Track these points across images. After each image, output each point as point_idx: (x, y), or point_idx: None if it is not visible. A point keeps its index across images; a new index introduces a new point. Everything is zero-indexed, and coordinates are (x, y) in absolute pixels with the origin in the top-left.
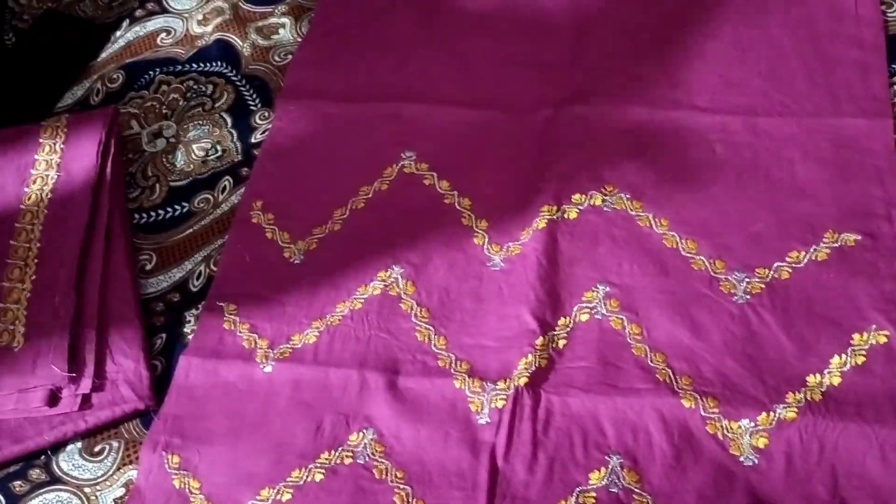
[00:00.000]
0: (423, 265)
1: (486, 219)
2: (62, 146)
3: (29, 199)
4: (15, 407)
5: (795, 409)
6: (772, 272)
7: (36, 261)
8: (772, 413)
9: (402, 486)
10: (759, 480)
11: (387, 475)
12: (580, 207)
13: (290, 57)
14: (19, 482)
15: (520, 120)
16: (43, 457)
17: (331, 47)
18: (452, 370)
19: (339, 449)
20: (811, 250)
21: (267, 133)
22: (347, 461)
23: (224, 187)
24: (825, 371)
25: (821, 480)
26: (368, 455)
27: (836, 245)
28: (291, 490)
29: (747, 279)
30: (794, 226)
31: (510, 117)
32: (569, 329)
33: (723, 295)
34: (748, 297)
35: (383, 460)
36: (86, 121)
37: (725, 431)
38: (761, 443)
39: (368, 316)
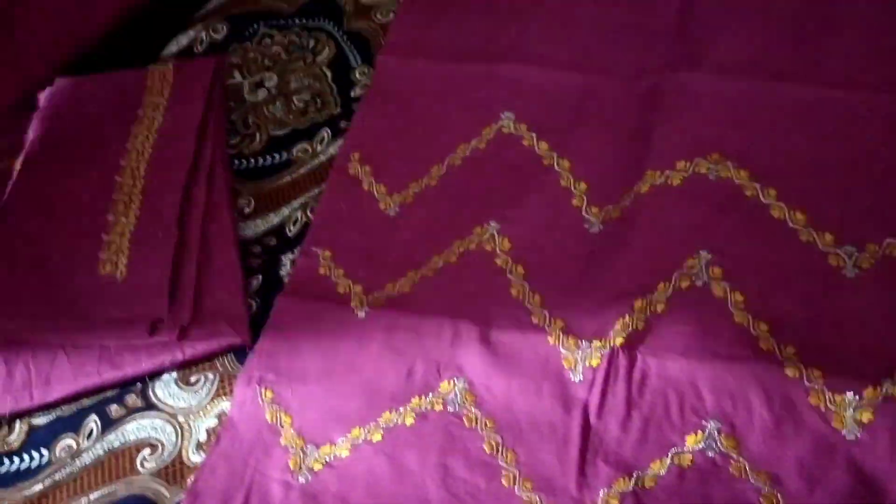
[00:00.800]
0: (520, 223)
1: (586, 181)
2: (168, 91)
3: (135, 138)
4: (116, 334)
5: None
6: (882, 249)
7: (140, 197)
8: (878, 388)
9: (492, 435)
10: (862, 455)
11: (477, 423)
12: (684, 174)
13: (391, 15)
14: (116, 406)
15: (623, 85)
16: (140, 384)
17: (434, 7)
18: (546, 327)
19: (430, 395)
20: None
21: (367, 88)
22: (438, 408)
23: (323, 138)
24: None
25: None
26: (459, 403)
27: None
28: (382, 431)
29: (857, 254)
30: None
31: (613, 82)
32: (668, 294)
33: (831, 268)
34: (857, 270)
35: (474, 409)
36: (192, 68)
37: (828, 404)
38: (865, 417)
39: (463, 269)
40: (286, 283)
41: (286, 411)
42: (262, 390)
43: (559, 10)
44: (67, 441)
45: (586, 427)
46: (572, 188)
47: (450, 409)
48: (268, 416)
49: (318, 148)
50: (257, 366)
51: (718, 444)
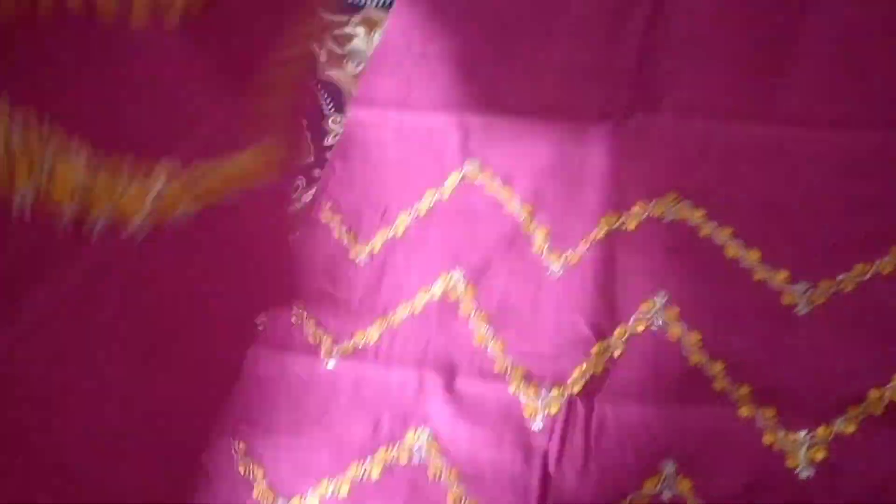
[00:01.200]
0: (483, 271)
1: (547, 227)
2: None
3: None
4: None
5: (855, 423)
6: (835, 284)
7: None
8: (831, 426)
9: (455, 486)
10: (816, 493)
11: (441, 474)
12: (640, 217)
13: (363, 66)
14: None
15: (585, 129)
16: None
17: (401, 58)
18: (508, 375)
19: (396, 445)
20: (876, 264)
21: (339, 137)
22: (403, 459)
23: (297, 187)
24: (887, 386)
25: (881, 495)
26: (424, 453)
27: None
28: (349, 484)
29: (810, 291)
30: (859, 238)
31: (574, 126)
32: (625, 338)
33: (784, 306)
34: (810, 308)
35: (438, 459)
36: None
37: (782, 443)
38: (819, 456)
39: (428, 318)
40: (258, 333)
41: (258, 463)
42: (236, 443)
43: (525, 57)
44: None
45: (545, 476)
46: (533, 234)
47: (415, 460)
48: (241, 469)
49: (293, 196)
50: (231, 417)
51: (674, 486)
